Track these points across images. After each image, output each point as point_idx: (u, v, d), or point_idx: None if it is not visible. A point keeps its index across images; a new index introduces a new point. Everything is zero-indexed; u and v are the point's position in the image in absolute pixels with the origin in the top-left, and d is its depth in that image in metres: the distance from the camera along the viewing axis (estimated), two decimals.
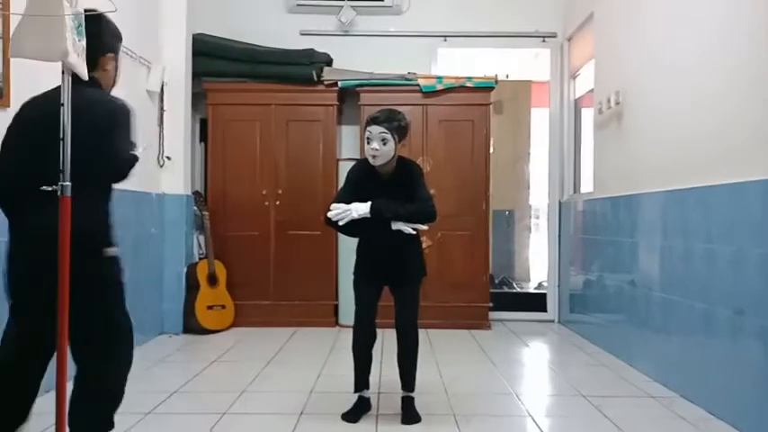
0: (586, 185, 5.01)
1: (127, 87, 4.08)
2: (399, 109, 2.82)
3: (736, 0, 2.75)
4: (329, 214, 2.62)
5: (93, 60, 2.00)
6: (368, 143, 2.65)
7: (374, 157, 2.64)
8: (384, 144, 2.63)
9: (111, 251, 2.02)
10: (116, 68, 2.14)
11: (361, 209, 2.59)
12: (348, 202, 2.62)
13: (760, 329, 2.49)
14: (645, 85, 3.72)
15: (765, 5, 2.53)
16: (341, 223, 2.61)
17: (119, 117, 2.02)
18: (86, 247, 1.91)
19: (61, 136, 1.83)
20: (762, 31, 2.55)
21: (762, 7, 2.55)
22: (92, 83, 2.01)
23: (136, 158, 2.01)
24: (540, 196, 5.95)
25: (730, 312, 2.70)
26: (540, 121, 5.82)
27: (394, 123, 2.65)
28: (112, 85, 2.16)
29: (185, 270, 4.74)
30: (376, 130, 2.63)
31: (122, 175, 2.02)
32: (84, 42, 1.89)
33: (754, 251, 2.54)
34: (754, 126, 2.57)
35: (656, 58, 3.57)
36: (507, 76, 5.69)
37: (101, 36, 2.06)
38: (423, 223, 2.71)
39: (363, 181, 2.73)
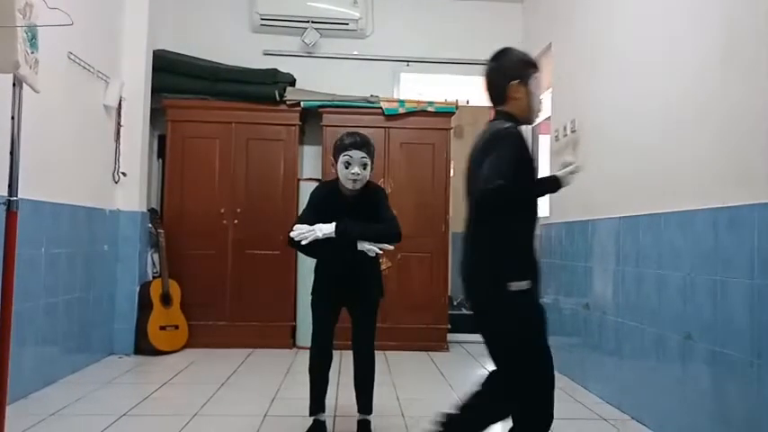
0: (543, 210, 5.11)
1: (83, 101, 4.05)
2: (362, 131, 2.83)
3: (683, 43, 2.88)
4: (292, 234, 2.58)
5: (500, 93, 2.03)
6: (347, 167, 2.63)
7: (354, 181, 2.63)
8: (364, 168, 2.64)
9: (514, 286, 1.94)
10: (529, 94, 2.03)
11: (325, 228, 2.54)
12: (311, 224, 2.58)
13: (708, 354, 2.56)
14: (600, 115, 3.84)
15: (703, 55, 2.65)
16: (304, 243, 2.56)
17: (495, 139, 1.90)
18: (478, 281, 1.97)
19: (10, 150, 1.78)
20: (714, 72, 2.66)
21: (702, 54, 2.68)
22: (502, 115, 2.03)
23: (504, 187, 1.76)
24: None
25: (680, 337, 2.77)
26: None
27: (371, 148, 2.69)
28: (531, 113, 2.06)
29: (138, 289, 4.61)
30: (357, 155, 2.62)
31: (483, 201, 1.84)
32: (37, 55, 1.84)
33: (702, 278, 2.62)
34: (704, 159, 2.66)
35: (610, 90, 3.70)
36: (468, 102, 5.80)
37: (502, 66, 2.05)
38: (389, 243, 2.70)
39: (327, 203, 2.70)
